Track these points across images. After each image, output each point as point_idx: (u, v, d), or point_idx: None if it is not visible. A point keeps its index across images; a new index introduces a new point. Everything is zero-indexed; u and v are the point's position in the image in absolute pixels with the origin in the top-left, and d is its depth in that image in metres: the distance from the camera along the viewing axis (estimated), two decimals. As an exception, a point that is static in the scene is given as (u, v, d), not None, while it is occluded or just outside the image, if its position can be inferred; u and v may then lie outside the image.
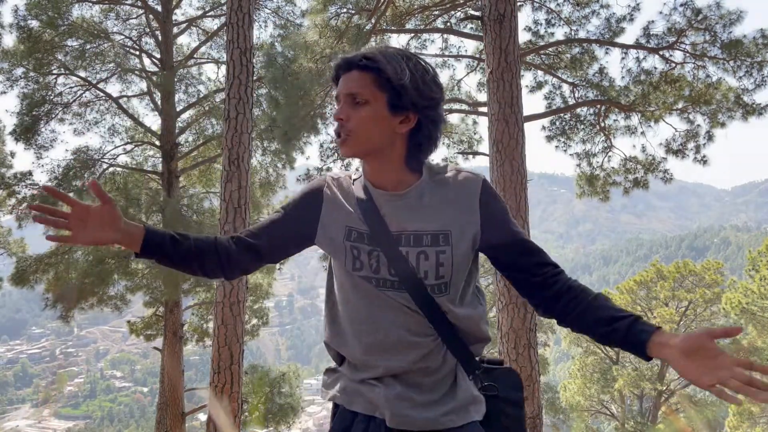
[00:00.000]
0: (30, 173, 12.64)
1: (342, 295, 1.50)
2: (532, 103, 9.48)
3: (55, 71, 12.57)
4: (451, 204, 1.46)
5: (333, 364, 1.60)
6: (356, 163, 11.82)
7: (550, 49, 11.18)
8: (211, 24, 14.48)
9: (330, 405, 1.62)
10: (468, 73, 12.23)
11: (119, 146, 13.70)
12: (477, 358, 1.52)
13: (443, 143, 12.29)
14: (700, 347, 1.22)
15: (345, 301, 1.49)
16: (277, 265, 14.59)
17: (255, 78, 8.34)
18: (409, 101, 1.41)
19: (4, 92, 12.29)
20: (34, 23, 11.86)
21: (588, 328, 1.39)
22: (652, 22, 9.99)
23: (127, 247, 1.45)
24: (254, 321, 14.65)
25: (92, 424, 72.52)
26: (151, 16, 13.38)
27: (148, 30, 13.70)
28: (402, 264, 1.42)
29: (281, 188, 14.08)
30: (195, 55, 14.19)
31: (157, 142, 13.26)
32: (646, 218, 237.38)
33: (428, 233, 1.43)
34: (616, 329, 1.33)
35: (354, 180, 1.54)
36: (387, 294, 1.43)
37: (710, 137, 10.38)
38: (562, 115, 11.42)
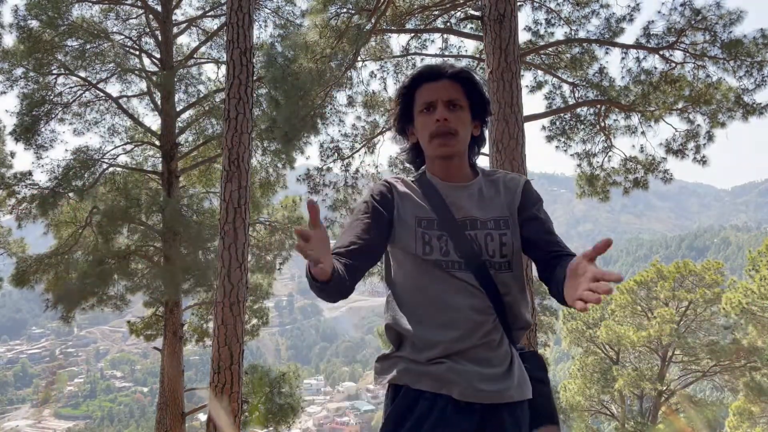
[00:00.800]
0: (30, 173, 12.64)
1: (410, 282, 1.64)
2: (532, 103, 9.51)
3: (55, 71, 12.56)
4: (504, 196, 1.70)
5: (386, 351, 1.70)
6: (355, 164, 11.80)
7: (550, 49, 11.17)
8: (211, 24, 14.49)
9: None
10: (468, 73, 12.21)
11: (119, 146, 13.70)
12: (518, 345, 1.68)
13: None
14: (578, 267, 1.30)
15: (414, 287, 1.63)
16: (277, 265, 14.60)
17: (255, 78, 8.33)
18: (484, 111, 1.72)
19: (4, 92, 12.28)
20: (34, 23, 11.85)
21: (555, 287, 1.52)
22: (652, 22, 9.98)
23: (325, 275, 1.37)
24: (254, 321, 14.65)
25: (92, 424, 72.57)
26: (151, 16, 13.38)
27: (148, 30, 13.69)
28: (467, 246, 1.60)
29: (281, 188, 14.07)
30: (195, 55, 14.18)
31: (157, 142, 13.26)
32: (646, 218, 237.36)
33: (491, 219, 1.66)
34: (558, 282, 1.48)
35: (413, 180, 1.74)
36: (455, 275, 1.59)
37: (710, 137, 10.37)
38: (562, 115, 11.42)
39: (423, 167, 1.78)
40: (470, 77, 1.68)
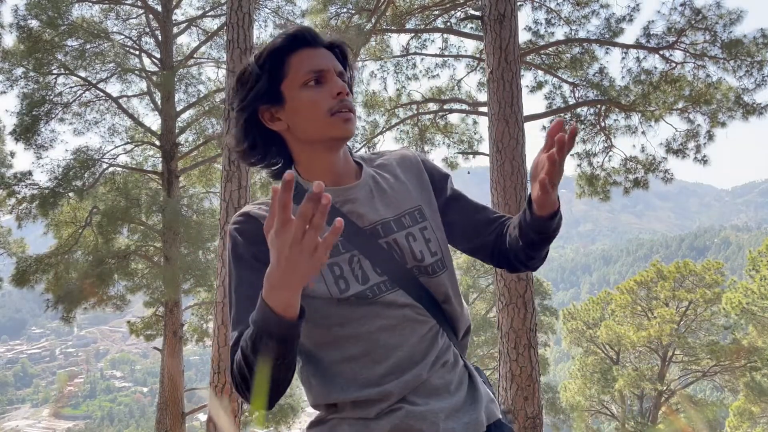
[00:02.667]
0: (30, 173, 12.65)
1: (326, 334, 1.23)
2: (532, 103, 9.50)
3: (55, 71, 12.57)
4: (405, 182, 1.34)
5: (320, 413, 1.30)
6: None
7: (550, 49, 11.18)
8: (211, 24, 14.51)
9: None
10: (468, 73, 12.22)
11: (119, 146, 13.72)
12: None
13: (443, 143, 12.31)
14: (538, 164, 1.19)
15: (335, 340, 1.23)
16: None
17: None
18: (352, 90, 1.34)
19: (4, 92, 12.30)
20: (34, 23, 11.87)
21: (515, 242, 1.32)
22: (652, 21, 10.00)
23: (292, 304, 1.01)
24: (254, 321, 14.63)
25: (92, 424, 72.55)
26: (151, 16, 13.39)
27: (148, 30, 13.71)
28: (386, 258, 1.25)
29: (281, 188, 14.07)
30: (195, 55, 14.20)
31: (157, 142, 13.27)
32: (646, 218, 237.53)
33: (404, 213, 1.30)
34: (521, 218, 1.29)
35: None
36: (385, 300, 1.23)
37: (710, 137, 10.38)
38: (562, 114, 11.42)
39: (288, 173, 1.31)
40: (347, 53, 1.32)
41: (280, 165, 1.33)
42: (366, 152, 1.38)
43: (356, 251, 1.24)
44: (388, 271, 1.24)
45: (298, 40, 1.24)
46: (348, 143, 1.33)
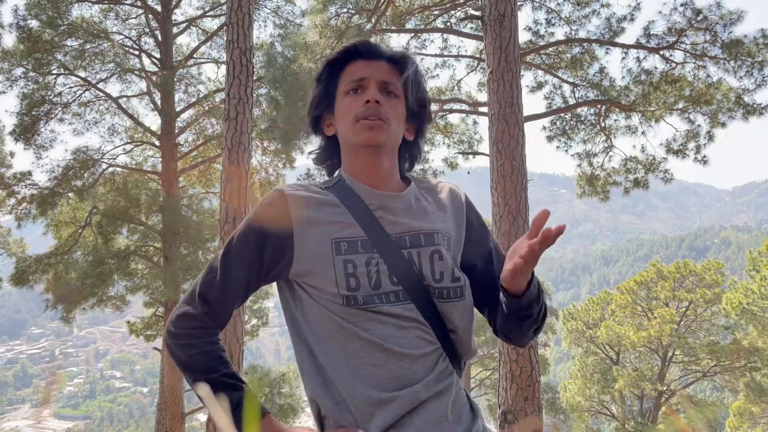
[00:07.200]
0: (30, 173, 12.65)
1: (332, 330, 1.23)
2: (532, 103, 9.50)
3: (54, 71, 12.56)
4: (446, 209, 1.35)
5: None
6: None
7: (550, 49, 11.17)
8: (211, 24, 14.51)
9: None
10: (468, 73, 12.22)
11: (119, 146, 13.72)
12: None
13: (444, 143, 12.30)
14: (518, 247, 1.15)
15: (340, 336, 1.22)
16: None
17: (255, 78, 8.33)
18: (422, 113, 1.39)
19: (4, 92, 12.29)
20: (33, 23, 11.86)
21: (501, 317, 1.31)
22: (653, 21, 9.99)
23: None
24: (254, 321, 14.64)
25: (92, 424, 72.61)
26: (150, 16, 13.38)
27: (147, 30, 13.69)
28: (406, 268, 1.23)
29: (281, 188, 14.06)
30: (195, 55, 14.19)
31: (157, 142, 13.26)
32: (646, 218, 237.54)
33: (438, 232, 1.29)
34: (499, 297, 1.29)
35: (327, 187, 1.33)
36: (392, 311, 1.21)
37: (710, 137, 10.37)
38: (562, 115, 11.41)
39: (338, 171, 1.38)
40: (415, 68, 1.34)
41: (333, 163, 1.42)
42: (417, 174, 1.42)
43: (377, 254, 1.24)
44: (405, 282, 1.23)
45: (351, 53, 1.35)
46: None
